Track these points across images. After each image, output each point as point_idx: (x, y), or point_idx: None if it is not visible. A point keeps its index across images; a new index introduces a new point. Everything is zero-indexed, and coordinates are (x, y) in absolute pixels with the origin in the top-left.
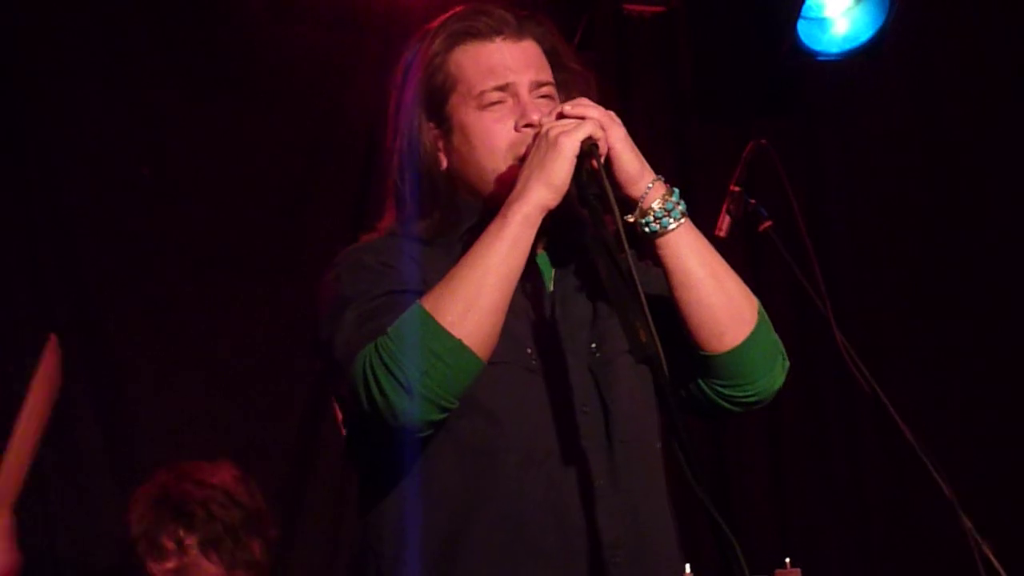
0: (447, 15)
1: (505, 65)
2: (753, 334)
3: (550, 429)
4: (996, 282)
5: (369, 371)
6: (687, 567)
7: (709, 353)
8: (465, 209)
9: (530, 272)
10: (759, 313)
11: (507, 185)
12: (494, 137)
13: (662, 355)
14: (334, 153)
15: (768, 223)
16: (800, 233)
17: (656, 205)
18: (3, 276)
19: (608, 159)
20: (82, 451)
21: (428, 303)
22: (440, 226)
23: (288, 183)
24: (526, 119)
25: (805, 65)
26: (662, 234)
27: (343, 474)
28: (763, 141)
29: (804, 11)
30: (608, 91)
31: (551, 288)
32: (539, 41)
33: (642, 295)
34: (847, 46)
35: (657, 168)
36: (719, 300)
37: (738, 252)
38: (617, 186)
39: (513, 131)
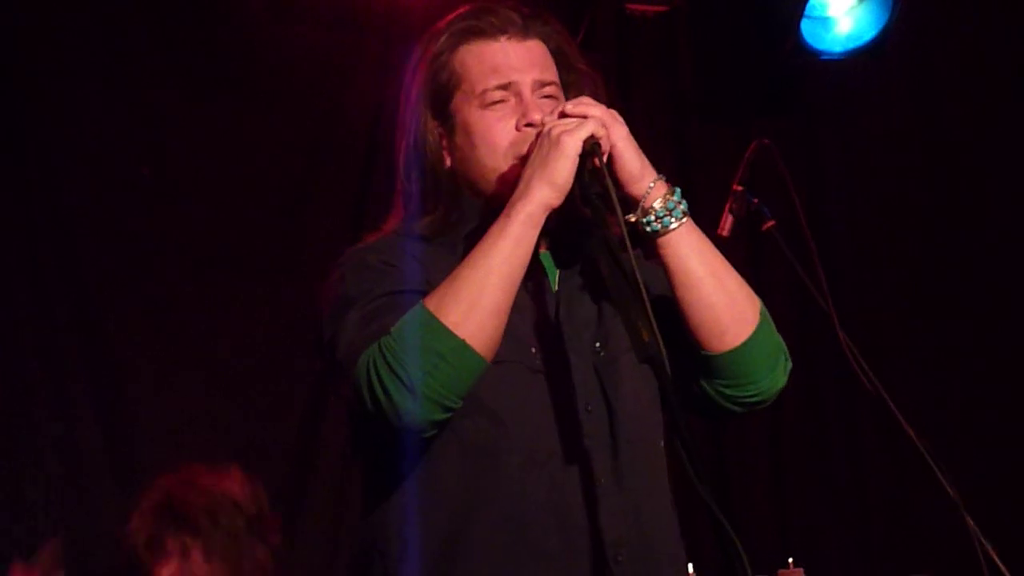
0: (454, 14)
1: (508, 64)
2: (755, 334)
3: (553, 429)
4: (997, 282)
5: (372, 371)
6: (690, 566)
7: (711, 353)
8: (468, 207)
9: (534, 271)
10: (761, 313)
11: (508, 184)
12: (495, 136)
13: (664, 355)
14: (334, 153)
15: (771, 223)
16: (802, 233)
17: (657, 204)
18: (3, 276)
19: (610, 158)
20: (82, 451)
21: (431, 303)
22: (443, 224)
23: (288, 183)
24: (527, 118)
25: (806, 65)
26: (663, 233)
27: (343, 474)
28: (765, 140)
29: (807, 10)
30: (610, 91)
31: (556, 287)
32: (545, 41)
33: (645, 294)
34: (850, 45)
35: (658, 167)
36: (721, 300)
37: (740, 251)
38: (618, 185)
39: (514, 130)
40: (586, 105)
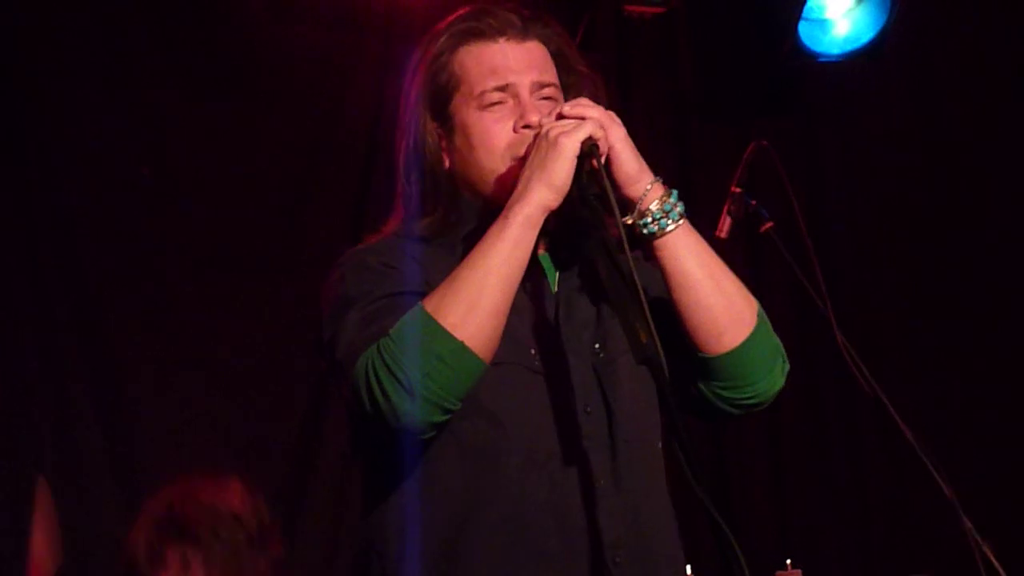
0: (454, 15)
1: (507, 66)
2: (752, 336)
3: (552, 430)
4: (996, 282)
5: (371, 373)
6: (688, 568)
7: (708, 355)
8: (467, 209)
9: (534, 273)
10: (759, 315)
11: (506, 185)
12: (493, 137)
13: (662, 356)
14: (334, 153)
15: (769, 224)
16: (801, 234)
17: (654, 206)
18: (3, 276)
19: (607, 159)
20: (82, 451)
21: (430, 305)
22: (442, 225)
23: (288, 183)
24: (525, 120)
25: (805, 66)
26: (660, 235)
27: (343, 474)
28: (764, 142)
29: (805, 12)
30: (609, 91)
31: (555, 289)
32: (545, 42)
33: (642, 296)
34: (848, 47)
35: (657, 168)
36: (717, 301)
37: (739, 253)
38: (615, 186)
39: (512, 132)
40: (584, 107)
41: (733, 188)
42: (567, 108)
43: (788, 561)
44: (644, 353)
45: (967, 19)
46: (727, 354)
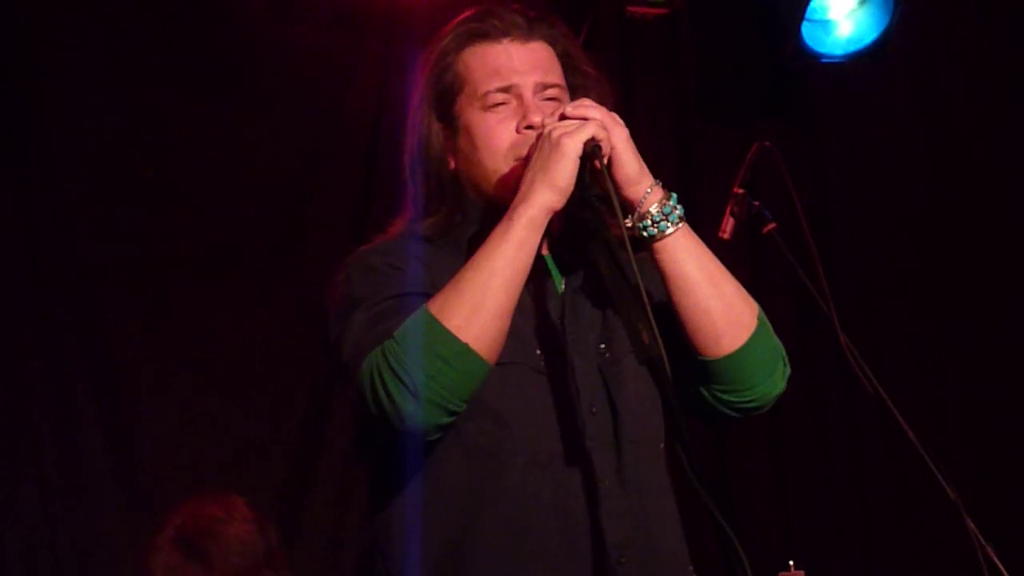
0: (460, 17)
1: (510, 67)
2: (752, 339)
3: (557, 431)
4: (998, 284)
5: (376, 375)
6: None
7: (707, 358)
8: (471, 209)
9: (538, 273)
10: (759, 318)
11: (509, 186)
12: (495, 138)
13: (665, 357)
14: (334, 153)
15: (772, 225)
16: (803, 235)
17: (654, 209)
18: (3, 276)
19: (609, 160)
20: (82, 451)
21: (434, 306)
22: (447, 225)
23: (288, 183)
24: (527, 120)
25: (808, 67)
26: (659, 238)
27: (344, 474)
28: (767, 143)
29: (808, 13)
30: (614, 93)
31: (561, 289)
32: (551, 43)
33: (645, 296)
34: (851, 48)
35: (660, 169)
36: (717, 304)
37: (742, 254)
38: (615, 188)
39: (515, 132)
40: (586, 107)
41: (736, 189)
42: (569, 109)
43: (791, 562)
44: (646, 354)
45: (970, 20)
46: (726, 357)
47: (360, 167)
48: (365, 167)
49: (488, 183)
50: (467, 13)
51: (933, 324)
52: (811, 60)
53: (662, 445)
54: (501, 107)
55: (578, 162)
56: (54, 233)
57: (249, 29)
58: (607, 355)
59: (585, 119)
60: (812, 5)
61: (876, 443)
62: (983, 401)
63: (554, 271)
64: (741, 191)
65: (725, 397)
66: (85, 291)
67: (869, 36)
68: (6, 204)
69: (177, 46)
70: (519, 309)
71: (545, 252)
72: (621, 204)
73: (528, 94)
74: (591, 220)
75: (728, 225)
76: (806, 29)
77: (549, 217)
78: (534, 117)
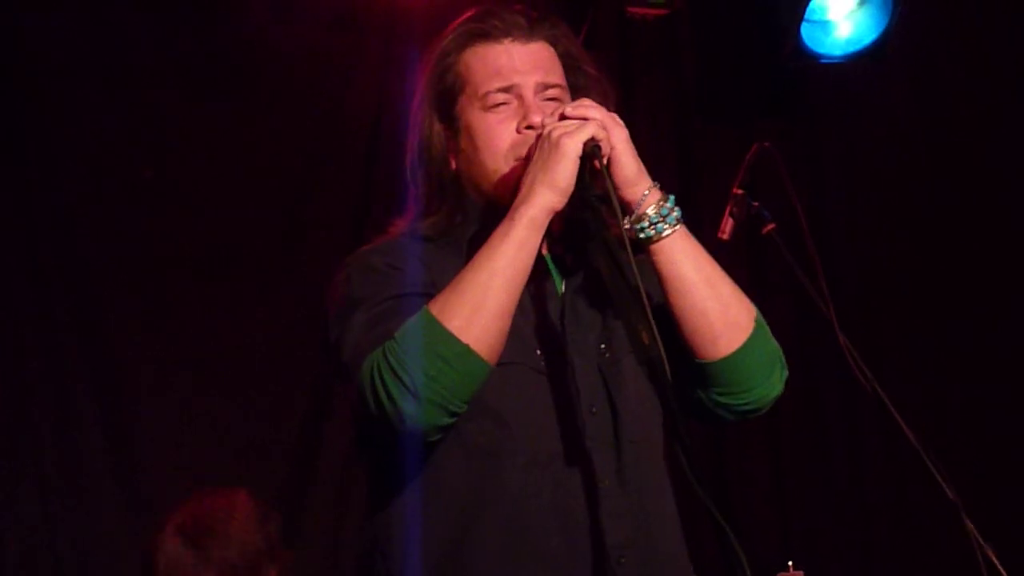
0: (462, 17)
1: (511, 67)
2: (749, 342)
3: (557, 431)
4: (998, 285)
5: (377, 376)
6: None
7: (704, 360)
8: (472, 209)
9: (539, 273)
10: (756, 320)
11: (510, 186)
12: (496, 138)
13: (664, 357)
14: (334, 153)
15: (771, 226)
16: (803, 236)
17: (651, 211)
18: (3, 276)
19: (608, 160)
20: (82, 451)
21: (435, 307)
22: (448, 225)
23: (288, 183)
24: (528, 120)
25: (808, 67)
26: (656, 240)
27: (344, 475)
28: (766, 143)
29: (807, 14)
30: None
31: (561, 289)
32: (552, 43)
33: (644, 297)
34: (850, 49)
35: (660, 169)
36: (713, 307)
37: (741, 255)
38: (613, 188)
39: (516, 132)
40: (586, 107)
41: (735, 190)
42: (569, 109)
43: (790, 563)
44: (646, 354)
45: (970, 20)
46: (723, 360)
47: (360, 167)
48: (365, 167)
49: (489, 183)
50: (468, 13)
51: (933, 324)
52: (810, 61)
53: (662, 443)
54: (502, 107)
55: (578, 162)
56: (54, 233)
57: (249, 29)
58: (607, 355)
59: (585, 119)
60: (811, 6)
61: (875, 444)
62: (983, 401)
63: (554, 271)
64: (740, 192)
65: (721, 400)
66: (85, 291)
67: (868, 37)
68: (6, 204)
69: (177, 46)
70: (519, 309)
71: (545, 252)
72: (619, 205)
73: (529, 94)
74: (591, 220)
75: (727, 226)
76: (805, 30)
77: (550, 217)
78: (535, 117)
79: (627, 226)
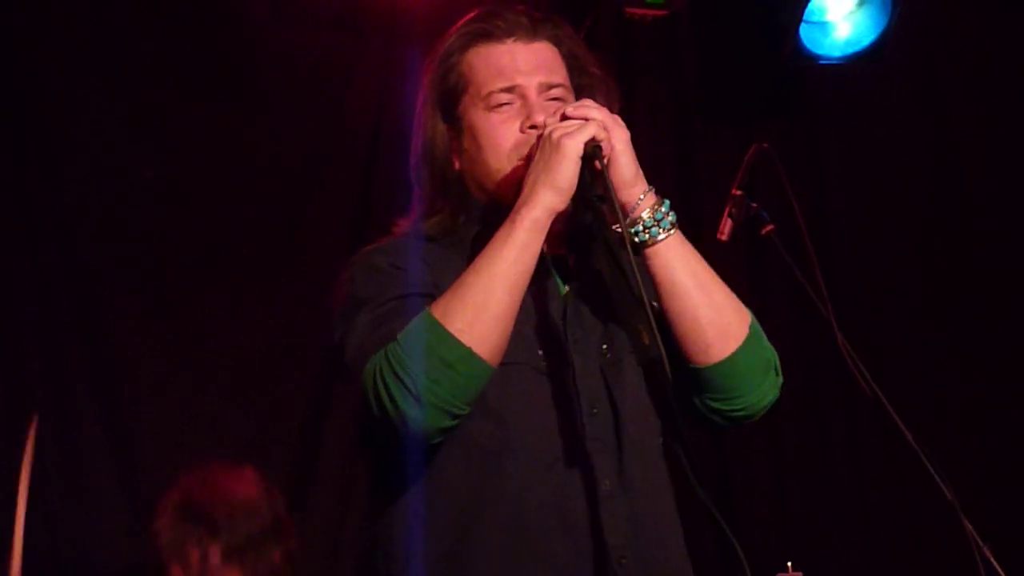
0: (465, 17)
1: (514, 67)
2: (742, 348)
3: (558, 431)
4: (998, 286)
5: (379, 378)
6: None
7: (696, 365)
8: (475, 209)
9: (542, 274)
10: (751, 327)
11: (513, 185)
12: (499, 138)
13: (665, 358)
14: (334, 153)
15: (770, 227)
16: (802, 236)
17: (646, 214)
18: (4, 276)
19: (607, 161)
20: (82, 451)
21: (437, 310)
22: (451, 225)
23: (288, 183)
24: (531, 120)
25: (807, 68)
26: (651, 244)
27: (344, 474)
28: (765, 144)
29: (807, 15)
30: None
31: (564, 290)
32: (555, 43)
33: (645, 298)
34: (849, 50)
35: (659, 169)
36: (706, 312)
37: (740, 255)
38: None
39: (519, 132)
40: (587, 108)
41: (734, 190)
42: (570, 109)
43: (789, 564)
44: (646, 355)
45: (969, 21)
46: (715, 365)
47: (360, 167)
48: (365, 167)
49: (492, 182)
50: (472, 14)
51: (932, 324)
52: (809, 61)
53: (662, 445)
54: (505, 107)
55: (579, 163)
56: (54, 233)
57: (249, 29)
58: (609, 356)
59: (586, 120)
60: (810, 7)
61: (874, 444)
62: (983, 401)
63: (556, 271)
64: (739, 192)
65: (714, 405)
66: (85, 291)
67: (867, 38)
68: (7, 204)
69: (177, 46)
70: (522, 309)
71: (548, 252)
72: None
73: (532, 94)
74: (592, 221)
75: (726, 227)
76: (804, 31)
77: (552, 218)
78: (538, 117)
79: (620, 229)
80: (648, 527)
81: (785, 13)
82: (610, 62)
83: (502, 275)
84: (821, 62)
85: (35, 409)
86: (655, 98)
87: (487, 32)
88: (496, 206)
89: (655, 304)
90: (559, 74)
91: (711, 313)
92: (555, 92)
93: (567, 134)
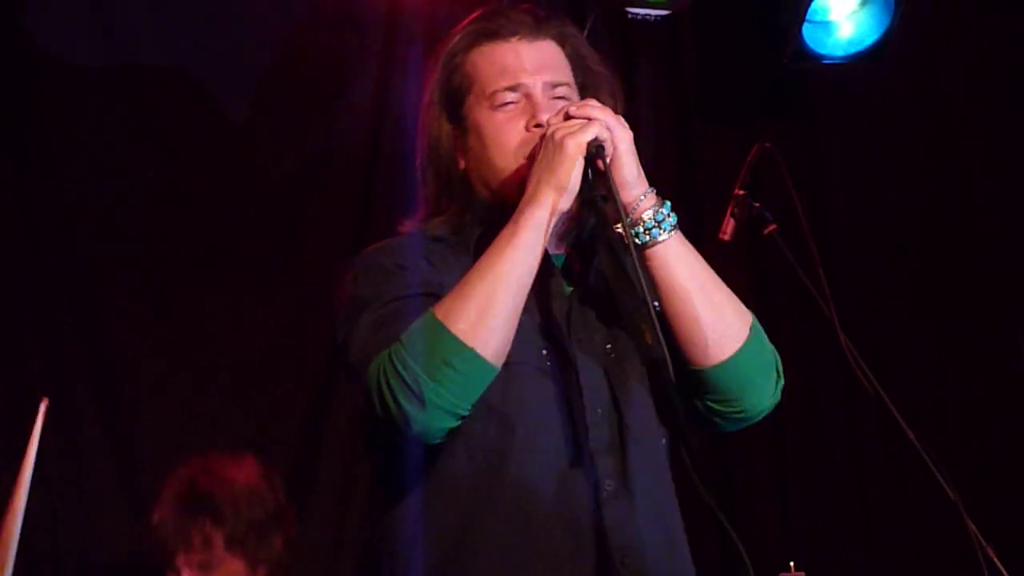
0: (470, 17)
1: (519, 65)
2: (742, 350)
3: (561, 431)
4: (998, 286)
5: (383, 380)
6: None
7: (696, 367)
8: (481, 208)
9: (546, 273)
10: (752, 328)
11: (518, 184)
12: (505, 136)
13: (668, 358)
14: (334, 153)
15: (772, 226)
16: (804, 236)
17: (647, 216)
18: (4, 276)
19: (609, 160)
20: (82, 451)
21: (440, 311)
22: (457, 224)
23: (288, 183)
24: (536, 119)
25: (809, 68)
26: (651, 245)
27: (344, 474)
28: (767, 144)
29: (809, 14)
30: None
31: (568, 289)
32: (559, 42)
33: (648, 297)
34: (852, 50)
35: (660, 170)
36: (706, 314)
37: (742, 255)
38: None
39: (524, 130)
40: (590, 107)
41: (736, 190)
42: (573, 109)
43: (791, 563)
44: (649, 355)
45: (971, 21)
46: (715, 367)
47: (360, 167)
48: (365, 167)
49: (498, 181)
50: (476, 14)
51: (933, 324)
52: (812, 61)
53: (665, 444)
54: (510, 106)
55: (582, 162)
56: (54, 233)
57: (249, 29)
58: (613, 356)
59: (589, 119)
60: (813, 6)
61: (876, 444)
62: (983, 401)
63: (561, 271)
64: (741, 192)
65: (715, 407)
66: (85, 291)
67: (870, 38)
68: (7, 204)
69: (177, 46)
70: (525, 309)
71: (552, 252)
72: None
73: (537, 93)
74: (595, 220)
75: (728, 226)
76: (807, 30)
77: (555, 219)
78: (543, 115)
79: (620, 230)
80: (651, 528)
81: (787, 13)
82: (610, 62)
83: (505, 276)
84: (823, 62)
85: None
86: (656, 98)
87: (491, 31)
88: (502, 205)
89: (656, 305)
90: (564, 73)
91: (711, 315)
92: (560, 91)
93: (570, 134)
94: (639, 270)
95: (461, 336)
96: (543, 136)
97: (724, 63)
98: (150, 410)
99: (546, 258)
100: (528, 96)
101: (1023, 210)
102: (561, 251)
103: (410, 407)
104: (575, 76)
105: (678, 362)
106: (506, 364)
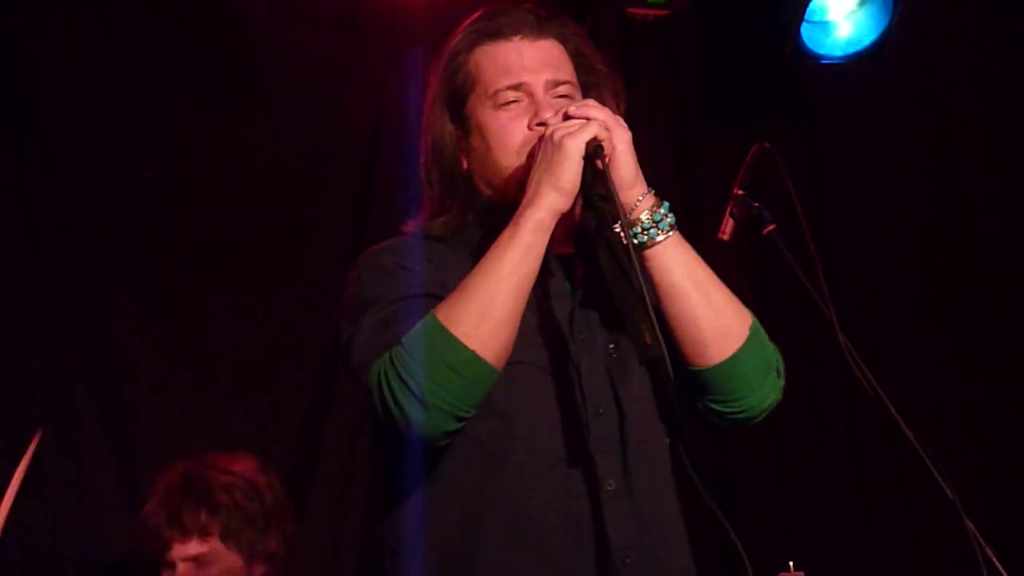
0: (472, 17)
1: (521, 64)
2: (741, 350)
3: (563, 431)
4: (998, 286)
5: (384, 382)
6: None
7: (695, 367)
8: (484, 207)
9: (549, 274)
10: (751, 328)
11: (522, 183)
12: (508, 135)
13: (667, 357)
14: (334, 153)
15: (772, 226)
16: (803, 236)
17: (644, 216)
18: (4, 276)
19: (608, 160)
20: (82, 451)
21: (441, 313)
22: (459, 224)
23: (288, 183)
24: (539, 117)
25: (808, 68)
26: (649, 246)
27: (344, 474)
28: (766, 144)
29: (808, 14)
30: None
31: (570, 289)
32: (562, 41)
33: (647, 297)
34: (850, 50)
35: (660, 170)
36: (705, 314)
37: (742, 255)
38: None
39: (527, 129)
40: (590, 107)
41: (735, 190)
42: (572, 109)
43: (791, 563)
44: (648, 355)
45: (970, 21)
46: (714, 367)
47: (360, 167)
48: (365, 167)
49: (501, 179)
50: (478, 13)
51: (933, 324)
52: (811, 61)
53: (666, 444)
54: (512, 105)
55: (582, 163)
56: (55, 233)
57: (249, 29)
58: (615, 356)
59: (588, 119)
60: (812, 6)
61: (876, 444)
62: (983, 401)
63: (563, 271)
64: (741, 192)
65: (714, 407)
66: (85, 291)
67: (868, 37)
68: (7, 204)
69: (177, 46)
70: (527, 309)
71: (554, 252)
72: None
73: (539, 91)
74: (595, 220)
75: (728, 226)
76: (806, 30)
77: (556, 219)
78: (545, 114)
79: (619, 231)
80: (652, 527)
81: (786, 13)
82: (610, 62)
83: (507, 278)
84: (822, 62)
85: (39, 428)
86: (655, 98)
87: (493, 31)
88: (505, 204)
89: (655, 305)
90: (566, 71)
91: (709, 315)
92: (562, 89)
93: (568, 134)
94: (638, 270)
95: (462, 338)
96: (542, 137)
97: (723, 63)
98: (150, 410)
99: (548, 259)
100: (531, 95)
101: (1023, 209)
102: (563, 251)
103: (411, 409)
104: (577, 75)
105: (678, 362)
106: (509, 363)
